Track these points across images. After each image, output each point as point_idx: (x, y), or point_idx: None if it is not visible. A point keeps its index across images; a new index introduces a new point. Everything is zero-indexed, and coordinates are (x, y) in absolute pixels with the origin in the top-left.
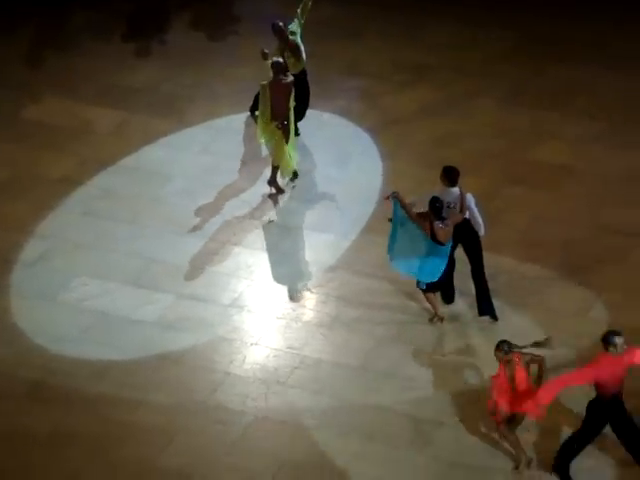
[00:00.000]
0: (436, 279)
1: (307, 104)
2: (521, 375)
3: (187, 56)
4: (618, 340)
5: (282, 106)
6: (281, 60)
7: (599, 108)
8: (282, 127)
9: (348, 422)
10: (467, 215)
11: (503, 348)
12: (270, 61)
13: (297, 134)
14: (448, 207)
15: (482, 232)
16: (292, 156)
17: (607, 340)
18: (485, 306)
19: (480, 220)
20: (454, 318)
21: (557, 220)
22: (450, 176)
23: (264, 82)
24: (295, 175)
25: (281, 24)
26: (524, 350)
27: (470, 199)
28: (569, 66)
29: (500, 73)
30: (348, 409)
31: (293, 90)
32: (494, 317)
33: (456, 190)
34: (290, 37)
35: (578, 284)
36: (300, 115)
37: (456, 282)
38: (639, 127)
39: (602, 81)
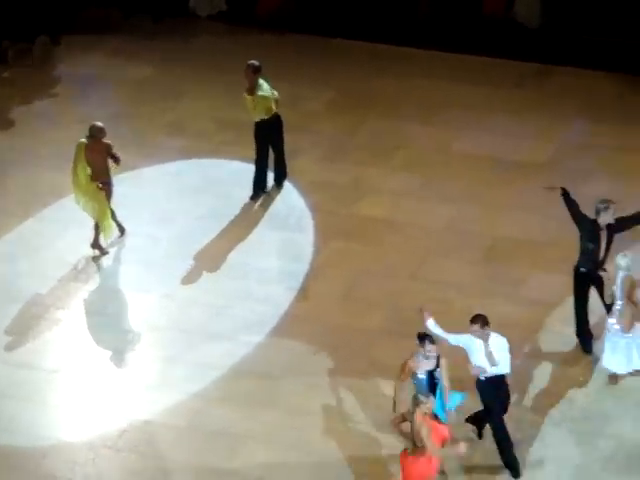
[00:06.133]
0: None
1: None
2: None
3: (4, 119)
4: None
5: (102, 166)
6: (99, 124)
7: (415, 163)
8: (104, 187)
9: None
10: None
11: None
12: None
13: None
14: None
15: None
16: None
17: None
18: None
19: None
20: None
21: (381, 273)
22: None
23: (81, 140)
24: (122, 230)
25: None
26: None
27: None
28: (386, 122)
29: (320, 130)
30: (179, 470)
31: (111, 150)
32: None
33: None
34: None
35: (404, 336)
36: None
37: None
38: (453, 180)
39: (417, 136)
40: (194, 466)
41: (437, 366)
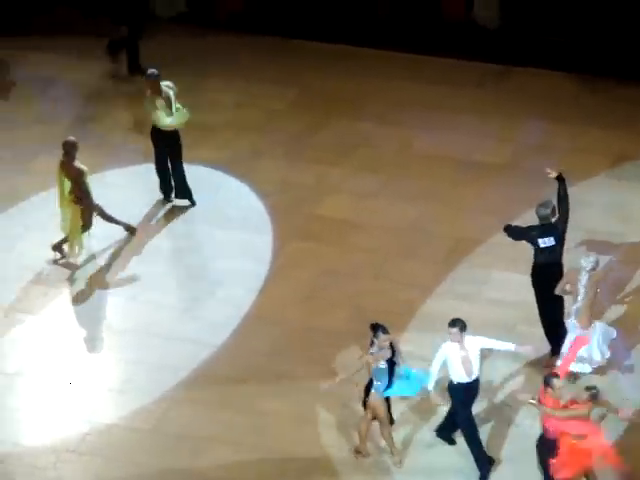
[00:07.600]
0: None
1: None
2: None
3: None
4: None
5: (77, 186)
6: (71, 139)
7: (377, 162)
8: (78, 201)
9: None
10: None
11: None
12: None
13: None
14: None
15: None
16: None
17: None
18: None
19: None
20: None
21: (344, 274)
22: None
23: (60, 159)
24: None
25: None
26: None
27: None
28: (347, 121)
29: (282, 129)
30: (142, 474)
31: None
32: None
33: None
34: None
35: (368, 337)
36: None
37: None
38: (414, 180)
39: (379, 136)
40: (158, 469)
41: (394, 352)
